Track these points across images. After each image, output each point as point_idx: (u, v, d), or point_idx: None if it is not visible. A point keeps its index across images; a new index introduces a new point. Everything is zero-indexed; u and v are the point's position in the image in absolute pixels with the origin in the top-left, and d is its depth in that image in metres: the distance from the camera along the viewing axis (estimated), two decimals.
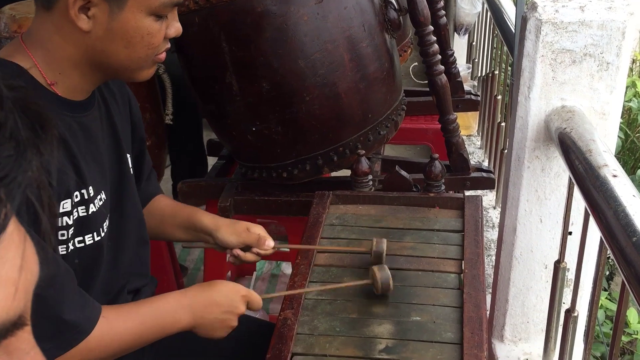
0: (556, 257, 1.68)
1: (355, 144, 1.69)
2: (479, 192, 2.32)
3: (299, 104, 1.61)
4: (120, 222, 1.27)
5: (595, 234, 1.43)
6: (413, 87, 2.92)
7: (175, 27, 1.18)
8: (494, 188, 2.34)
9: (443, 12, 2.45)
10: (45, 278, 0.39)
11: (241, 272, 2.62)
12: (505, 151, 2.67)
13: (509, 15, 2.84)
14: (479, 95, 2.69)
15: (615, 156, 1.40)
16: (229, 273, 2.50)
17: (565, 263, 1.65)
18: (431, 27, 1.83)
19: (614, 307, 3.07)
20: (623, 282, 1.15)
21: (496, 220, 2.76)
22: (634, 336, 3.10)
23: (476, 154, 3.37)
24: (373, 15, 1.67)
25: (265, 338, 1.21)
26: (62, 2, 1.07)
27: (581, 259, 1.55)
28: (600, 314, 3.00)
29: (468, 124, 3.49)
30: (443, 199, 1.55)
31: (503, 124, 2.91)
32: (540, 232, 1.75)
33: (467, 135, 3.49)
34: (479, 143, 3.48)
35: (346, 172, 1.76)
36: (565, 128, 1.52)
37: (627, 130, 4.37)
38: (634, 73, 4.67)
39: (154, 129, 2.04)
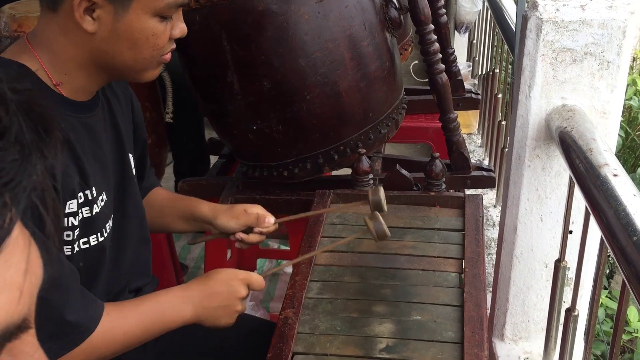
0: (557, 256, 1.69)
1: (356, 142, 1.69)
2: (479, 191, 2.32)
3: (300, 102, 1.61)
4: (122, 222, 1.27)
5: (595, 233, 1.43)
6: (413, 86, 2.92)
7: (180, 28, 1.18)
8: (494, 187, 2.34)
9: (444, 10, 2.44)
10: (49, 280, 0.39)
11: None
12: (506, 150, 2.67)
13: (510, 14, 2.84)
14: (479, 94, 2.69)
15: (615, 155, 1.41)
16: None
17: (566, 262, 1.65)
18: (432, 26, 1.83)
19: (614, 305, 3.08)
20: (623, 281, 1.15)
21: (496, 219, 2.76)
22: (634, 334, 3.10)
23: (477, 152, 3.37)
24: (374, 14, 1.67)
25: (266, 337, 1.22)
26: (67, 3, 1.07)
27: (582, 258, 1.55)
28: (601, 313, 3.00)
29: (468, 122, 3.49)
30: (444, 198, 1.56)
31: (504, 122, 2.91)
32: (540, 231, 1.75)
33: (467, 134, 3.49)
34: (479, 141, 3.48)
35: (347, 171, 1.76)
36: (565, 127, 1.52)
37: (628, 129, 4.38)
38: (634, 71, 4.67)
39: (155, 128, 2.04)
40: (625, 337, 2.98)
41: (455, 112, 1.88)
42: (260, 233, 1.42)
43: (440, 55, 1.85)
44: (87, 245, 1.15)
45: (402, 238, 1.42)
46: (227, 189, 1.85)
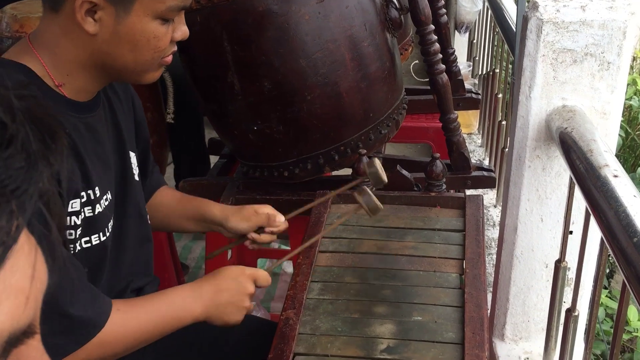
0: (557, 257, 1.69)
1: (356, 143, 1.69)
2: (479, 191, 2.33)
3: (301, 103, 1.61)
4: (124, 221, 1.28)
5: (596, 233, 1.44)
6: (414, 86, 2.92)
7: (182, 31, 1.18)
8: (494, 187, 2.34)
9: (444, 10, 2.45)
10: (53, 284, 0.40)
11: None
12: (506, 150, 2.67)
13: (510, 14, 2.84)
14: (479, 94, 2.69)
15: (615, 154, 1.41)
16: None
17: (566, 262, 1.65)
18: (432, 26, 1.83)
19: (614, 305, 3.08)
20: (624, 281, 1.15)
21: (497, 219, 2.76)
22: (634, 334, 3.10)
23: (477, 152, 3.38)
24: (374, 14, 1.67)
25: (267, 337, 1.22)
26: (69, 4, 1.07)
27: (582, 258, 1.55)
28: (600, 312, 3.01)
29: (469, 122, 3.50)
30: (444, 199, 1.56)
31: (504, 122, 2.92)
32: (541, 231, 1.75)
33: (467, 134, 3.49)
34: (479, 141, 3.48)
35: (347, 172, 1.76)
36: (566, 128, 1.52)
37: (628, 128, 4.38)
38: (634, 71, 4.67)
39: (156, 128, 2.04)
40: (625, 336, 2.98)
41: (456, 112, 1.88)
42: (272, 232, 1.43)
43: (440, 56, 1.85)
44: (88, 245, 1.16)
45: (402, 239, 1.42)
46: (228, 189, 1.85)
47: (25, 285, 0.37)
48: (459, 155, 1.85)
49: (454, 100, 1.95)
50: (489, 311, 1.81)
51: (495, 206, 2.88)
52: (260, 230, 1.43)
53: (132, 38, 1.11)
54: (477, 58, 3.84)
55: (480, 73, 3.70)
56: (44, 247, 0.39)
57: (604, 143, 1.41)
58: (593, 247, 1.59)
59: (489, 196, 2.92)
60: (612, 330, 1.81)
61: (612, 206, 1.20)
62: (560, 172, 1.68)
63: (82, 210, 1.13)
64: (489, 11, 3.41)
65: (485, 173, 1.89)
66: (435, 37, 1.84)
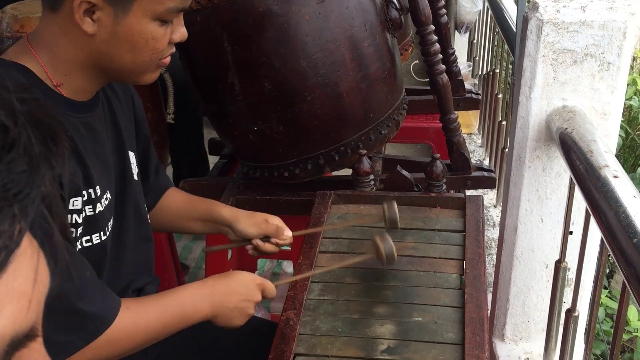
0: (557, 257, 1.69)
1: (356, 143, 1.69)
2: (479, 191, 2.33)
3: (301, 103, 1.61)
4: (123, 221, 1.28)
5: (596, 233, 1.44)
6: (414, 86, 2.92)
7: (180, 32, 1.18)
8: (494, 187, 2.34)
9: (444, 10, 2.45)
10: (56, 286, 0.40)
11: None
12: (506, 150, 2.67)
13: (510, 14, 2.85)
14: (479, 94, 2.69)
15: (615, 155, 1.41)
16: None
17: (566, 263, 1.66)
18: (432, 27, 1.83)
19: (613, 305, 3.08)
20: (624, 282, 1.15)
21: (497, 219, 2.76)
22: (634, 334, 3.11)
23: (477, 152, 3.38)
24: (374, 14, 1.67)
25: (267, 337, 1.22)
26: (68, 4, 1.07)
27: (582, 258, 1.55)
28: (600, 312, 3.00)
29: (469, 122, 3.50)
30: (444, 199, 1.56)
31: (504, 122, 2.92)
32: (541, 231, 1.76)
33: (467, 134, 3.49)
34: (479, 141, 3.48)
35: (347, 172, 1.76)
36: (566, 128, 1.52)
37: (628, 128, 4.38)
38: (634, 71, 4.67)
39: (156, 128, 2.04)
40: (625, 336, 2.98)
41: (456, 112, 1.88)
42: (276, 244, 1.43)
43: (440, 56, 1.85)
44: (89, 244, 1.16)
45: (403, 239, 1.42)
46: (228, 189, 1.85)
47: (28, 289, 0.37)
48: (459, 155, 1.85)
49: (454, 101, 1.95)
50: (489, 311, 1.81)
51: (495, 206, 2.88)
52: (265, 239, 1.44)
53: (131, 39, 1.11)
54: (477, 58, 3.84)
55: (480, 73, 3.70)
56: (46, 250, 0.39)
57: (604, 143, 1.42)
58: (593, 247, 1.59)
59: (489, 196, 2.92)
60: (612, 330, 1.81)
61: (612, 207, 1.20)
62: (560, 172, 1.68)
63: (83, 208, 1.13)
64: (489, 11, 3.41)
65: (485, 173, 1.89)
66: (436, 38, 1.84)
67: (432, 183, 1.62)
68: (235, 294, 1.24)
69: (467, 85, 2.62)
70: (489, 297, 1.96)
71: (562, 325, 1.65)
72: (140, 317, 1.15)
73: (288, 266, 2.63)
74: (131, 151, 1.32)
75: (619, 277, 3.41)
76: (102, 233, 1.18)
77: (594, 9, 1.56)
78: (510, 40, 2.66)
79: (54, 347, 1.01)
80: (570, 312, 1.60)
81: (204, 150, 2.66)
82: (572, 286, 1.64)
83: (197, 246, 2.79)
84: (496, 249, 2.01)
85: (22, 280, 0.37)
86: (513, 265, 1.80)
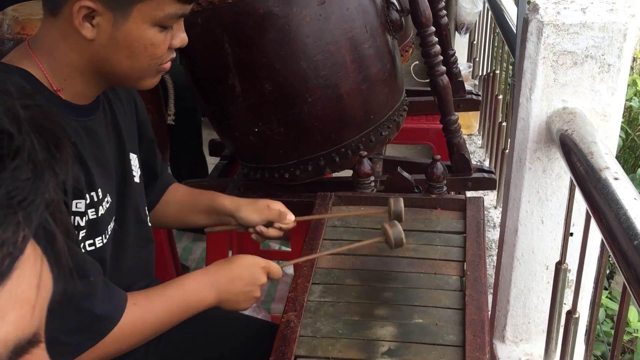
0: (557, 258, 1.69)
1: (357, 144, 1.69)
2: (479, 192, 2.33)
3: (301, 105, 1.61)
4: (124, 223, 1.28)
5: (596, 235, 1.44)
6: (414, 87, 2.93)
7: (180, 38, 1.18)
8: (495, 189, 2.34)
9: (444, 11, 2.45)
10: (59, 292, 0.40)
11: None
12: (507, 151, 2.67)
13: (510, 15, 2.85)
14: (480, 95, 2.69)
15: (615, 156, 1.41)
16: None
17: (567, 264, 1.66)
18: (433, 28, 1.83)
19: (614, 305, 3.08)
20: (624, 284, 1.16)
21: (497, 220, 2.76)
22: (634, 335, 3.11)
23: (477, 153, 3.38)
24: (375, 16, 1.67)
25: (268, 338, 1.22)
26: (68, 9, 1.07)
27: (582, 260, 1.55)
28: (601, 313, 3.01)
29: (469, 123, 3.50)
30: (445, 201, 1.56)
31: (504, 123, 2.92)
32: (541, 233, 1.76)
33: (468, 135, 3.49)
34: (480, 142, 3.48)
35: (348, 173, 1.76)
36: (566, 130, 1.52)
37: (628, 129, 4.38)
38: (634, 72, 4.67)
39: (157, 130, 2.04)
40: (625, 337, 2.98)
41: (456, 114, 1.88)
42: (280, 229, 1.44)
43: (441, 58, 1.85)
44: (92, 248, 1.16)
45: None
46: (229, 190, 1.86)
47: (31, 296, 0.37)
48: (460, 157, 1.85)
49: (454, 102, 1.95)
50: (489, 313, 1.82)
51: (495, 207, 2.88)
52: (268, 224, 1.45)
53: (130, 44, 1.11)
54: (477, 59, 3.84)
55: (480, 74, 3.70)
56: (50, 256, 0.39)
57: (604, 145, 1.42)
58: (593, 249, 1.59)
59: (489, 197, 2.92)
60: (612, 331, 1.80)
61: (612, 209, 1.20)
62: (560, 174, 1.69)
63: (86, 212, 1.13)
64: (489, 12, 3.41)
65: (485, 175, 1.89)
66: (436, 39, 1.84)
67: (432, 184, 1.62)
68: (239, 279, 1.25)
69: (468, 87, 2.62)
70: (490, 298, 1.96)
71: (563, 327, 1.65)
72: (146, 311, 1.16)
73: (289, 267, 2.63)
74: (133, 153, 1.32)
75: (620, 278, 3.41)
76: (103, 236, 1.19)
77: (594, 11, 1.56)
78: (511, 41, 2.66)
79: (63, 348, 1.02)
80: (570, 313, 1.60)
81: (202, 150, 2.67)
82: (573, 288, 1.64)
83: (198, 247, 2.80)
84: (496, 250, 2.01)
85: (26, 287, 0.37)
86: (513, 267, 1.80)
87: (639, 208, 1.17)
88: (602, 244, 1.37)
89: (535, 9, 1.59)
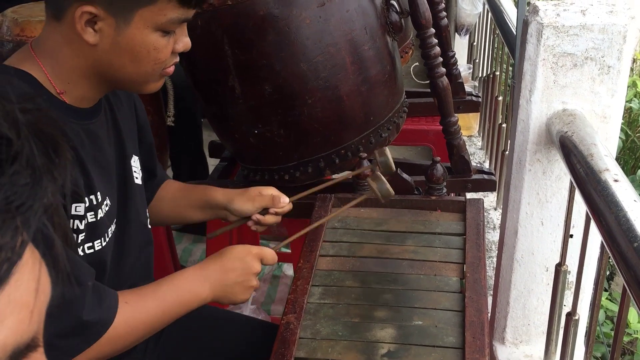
0: (557, 260, 1.69)
1: (357, 146, 1.69)
2: (479, 193, 2.33)
3: (301, 106, 1.62)
4: (124, 226, 1.28)
5: (596, 236, 1.44)
6: (414, 88, 2.93)
7: (183, 42, 1.17)
8: (495, 190, 2.34)
9: (444, 13, 2.45)
10: (57, 296, 0.40)
11: None
12: (507, 152, 2.67)
13: (510, 16, 2.85)
14: (479, 96, 2.69)
15: (615, 157, 1.41)
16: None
17: (567, 266, 1.66)
18: (433, 30, 1.83)
19: (614, 307, 3.08)
20: (624, 286, 1.15)
21: (497, 222, 2.76)
22: (634, 336, 3.11)
23: (477, 154, 3.38)
24: (375, 18, 1.67)
25: (267, 339, 1.22)
26: (70, 14, 1.07)
27: (582, 262, 1.55)
28: (601, 314, 3.01)
29: (469, 124, 3.50)
30: (445, 202, 1.56)
31: (504, 125, 2.92)
32: (541, 234, 1.76)
33: (468, 136, 3.50)
34: (479, 144, 3.48)
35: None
36: (566, 131, 1.52)
37: (628, 131, 4.38)
38: (634, 73, 4.68)
39: (157, 131, 2.04)
40: (625, 338, 2.98)
41: (456, 115, 1.88)
42: (276, 213, 1.43)
43: (441, 59, 1.85)
44: (91, 250, 1.16)
45: (403, 242, 1.42)
46: None
47: (30, 300, 0.37)
48: (460, 158, 1.85)
49: (454, 103, 1.95)
50: (489, 314, 1.82)
51: (495, 209, 2.88)
52: (264, 211, 1.44)
53: (132, 49, 1.11)
54: (477, 60, 3.84)
55: (480, 75, 3.71)
56: (48, 260, 0.39)
57: (604, 147, 1.42)
58: (593, 250, 1.59)
59: (489, 199, 2.92)
60: (612, 333, 1.80)
61: (612, 210, 1.20)
62: (560, 175, 1.69)
63: (85, 215, 1.13)
64: (489, 14, 3.41)
65: (485, 176, 1.89)
66: (436, 41, 1.84)
67: (432, 186, 1.62)
68: (231, 270, 1.23)
69: (467, 88, 2.62)
70: (489, 300, 1.96)
71: (563, 328, 1.65)
72: (139, 310, 1.15)
73: (288, 269, 2.63)
74: (134, 155, 1.32)
75: (620, 280, 3.41)
76: (102, 239, 1.18)
77: (594, 13, 1.56)
78: (510, 43, 2.66)
79: (57, 351, 1.02)
80: (570, 315, 1.60)
81: (203, 151, 2.66)
82: (573, 289, 1.64)
83: (197, 249, 2.80)
84: (496, 252, 2.01)
85: (24, 292, 0.37)
86: (513, 269, 1.80)
87: (639, 210, 1.17)
88: (602, 246, 1.37)
89: (535, 10, 1.59)
